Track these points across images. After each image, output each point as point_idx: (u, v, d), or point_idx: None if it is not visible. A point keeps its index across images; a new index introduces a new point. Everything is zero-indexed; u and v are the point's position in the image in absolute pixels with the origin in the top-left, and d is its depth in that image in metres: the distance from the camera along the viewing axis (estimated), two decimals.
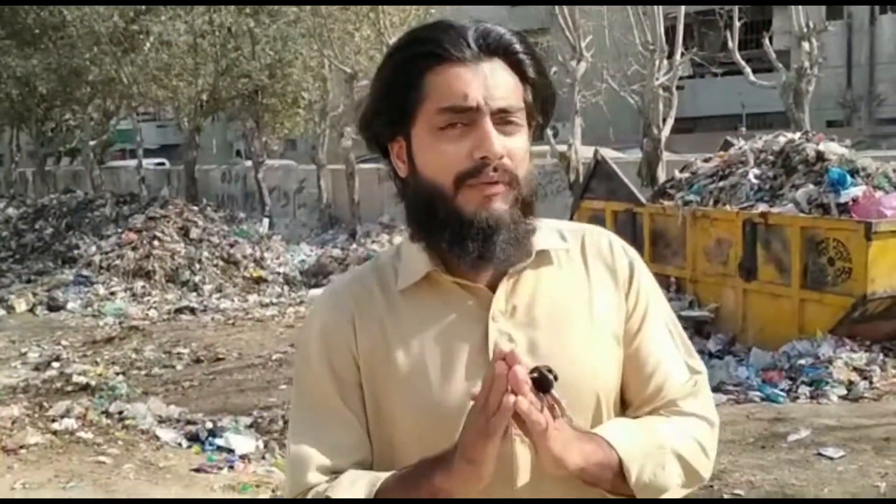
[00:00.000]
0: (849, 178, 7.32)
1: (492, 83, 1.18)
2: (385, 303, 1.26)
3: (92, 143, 22.54)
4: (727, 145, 9.45)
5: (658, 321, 1.31)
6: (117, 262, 12.86)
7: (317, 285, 12.64)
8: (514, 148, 1.19)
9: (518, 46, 1.22)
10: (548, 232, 1.29)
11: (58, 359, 8.70)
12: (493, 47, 1.20)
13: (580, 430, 1.16)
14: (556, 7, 12.42)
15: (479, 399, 1.10)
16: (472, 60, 1.19)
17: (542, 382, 1.10)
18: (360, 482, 1.19)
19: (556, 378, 1.10)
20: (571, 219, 10.44)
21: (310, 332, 1.30)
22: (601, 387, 1.25)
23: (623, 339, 1.28)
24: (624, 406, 1.29)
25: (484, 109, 1.17)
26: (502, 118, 1.19)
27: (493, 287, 1.24)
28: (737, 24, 13.24)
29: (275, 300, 11.99)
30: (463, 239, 1.19)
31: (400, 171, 1.26)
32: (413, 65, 1.20)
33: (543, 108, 1.26)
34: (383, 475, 1.19)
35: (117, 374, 8.05)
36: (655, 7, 11.45)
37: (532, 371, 1.10)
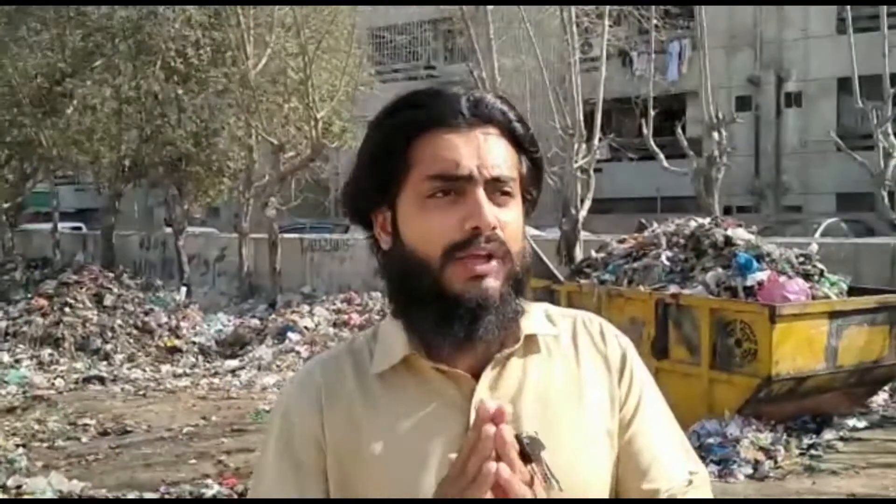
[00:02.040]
0: (755, 263, 7.65)
1: (485, 151, 1.12)
2: (359, 388, 1.17)
3: (6, 205, 21.90)
4: (641, 228, 9.79)
5: (653, 413, 1.22)
6: (25, 328, 12.40)
7: (232, 356, 12.40)
8: (507, 220, 1.12)
9: (512, 115, 1.16)
10: (536, 315, 1.20)
11: None
12: (486, 115, 1.14)
13: None
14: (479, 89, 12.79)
15: (455, 465, 1.02)
16: (464, 127, 1.13)
17: (532, 447, 1.00)
18: None
19: (543, 447, 1.01)
20: None
21: (274, 415, 1.22)
22: (593, 488, 1.15)
23: (616, 431, 1.19)
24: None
25: (477, 178, 1.11)
26: (495, 188, 1.12)
27: (476, 374, 1.14)
28: (651, 112, 13.87)
29: (189, 370, 11.70)
30: (449, 318, 1.10)
31: (383, 243, 1.17)
32: (400, 131, 1.13)
33: (536, 181, 1.19)
34: None
35: (17, 446, 7.69)
36: (575, 94, 11.93)
37: (516, 437, 1.00)
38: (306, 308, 13.91)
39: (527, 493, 0.99)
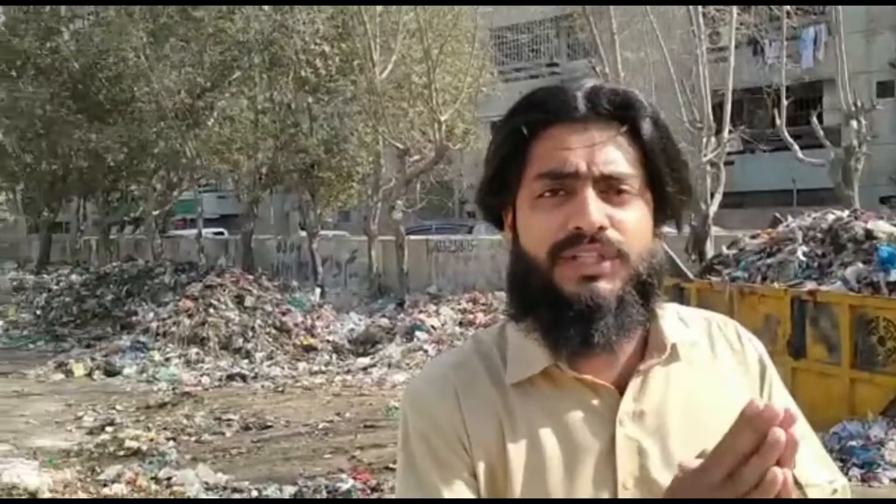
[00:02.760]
0: None
1: (598, 147, 1.06)
2: (496, 393, 1.11)
3: (155, 213, 23.33)
4: (775, 222, 9.45)
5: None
6: (173, 328, 13.19)
7: (364, 354, 12.79)
8: (622, 219, 1.05)
9: (638, 107, 1.08)
10: (672, 320, 1.13)
11: (111, 423, 8.92)
12: (606, 107, 1.07)
13: None
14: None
15: (716, 469, 0.92)
16: (579, 122, 1.07)
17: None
18: None
19: None
20: None
21: (408, 415, 1.13)
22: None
23: None
24: None
25: (585, 175, 1.05)
26: (609, 185, 1.05)
27: (617, 385, 1.09)
28: (784, 101, 13.31)
29: (323, 368, 12.15)
30: (561, 321, 1.05)
31: (507, 243, 1.15)
32: (518, 130, 1.09)
33: (668, 177, 1.09)
34: None
35: (168, 439, 8.21)
36: (703, 86, 11.62)
37: None
38: (433, 307, 14.17)
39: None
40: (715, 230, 11.68)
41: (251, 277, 15.41)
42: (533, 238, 1.08)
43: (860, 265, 7.44)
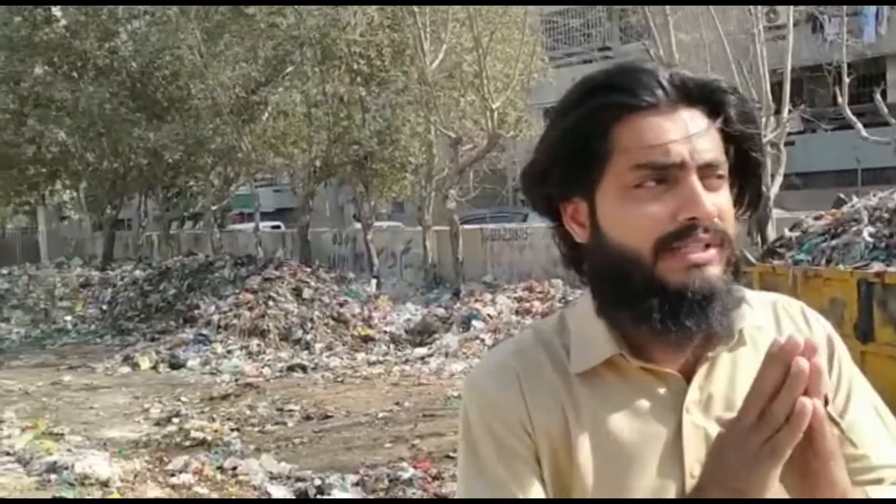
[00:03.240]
0: None
1: (694, 134, 1.04)
2: (560, 381, 1.10)
3: (213, 207, 23.74)
4: (839, 203, 9.21)
5: (865, 400, 1.14)
6: (234, 321, 13.43)
7: (421, 343, 12.85)
8: (722, 204, 1.05)
9: (723, 94, 1.07)
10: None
11: (177, 415, 9.12)
12: (692, 92, 1.05)
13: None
14: None
15: (747, 412, 0.94)
16: (668, 108, 1.04)
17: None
18: None
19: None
20: None
21: (468, 403, 1.13)
22: None
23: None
24: None
25: (690, 164, 1.02)
26: (707, 172, 1.04)
27: (683, 372, 1.08)
28: (846, 78, 12.94)
29: (381, 358, 12.25)
30: (675, 313, 1.02)
31: (577, 235, 1.11)
32: (598, 115, 1.05)
33: (746, 165, 1.10)
34: None
35: (232, 430, 8.38)
36: (761, 66, 11.36)
37: None
38: (488, 296, 14.17)
39: (830, 436, 0.93)
40: (776, 213, 11.43)
41: (308, 270, 15.59)
42: (632, 230, 1.04)
43: None
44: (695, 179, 1.02)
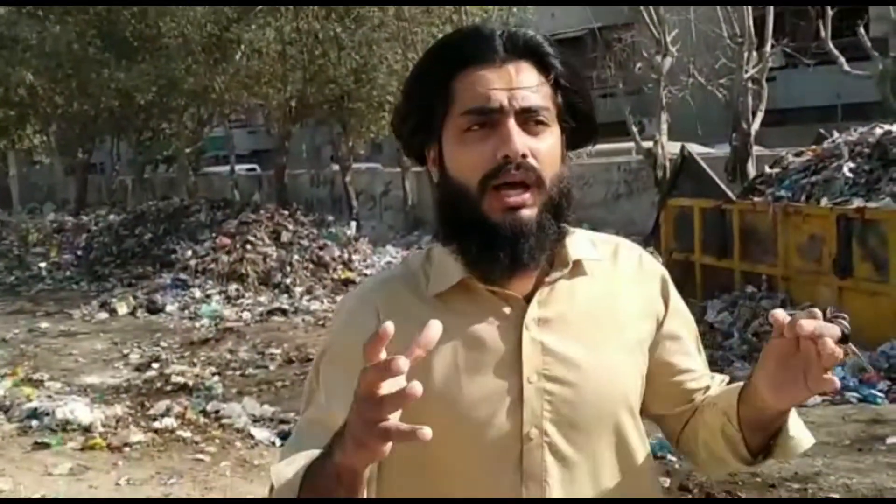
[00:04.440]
0: None
1: (516, 83, 1.19)
2: (415, 306, 1.25)
3: (187, 150, 23.39)
4: (820, 139, 9.18)
5: (689, 335, 1.36)
6: (212, 265, 13.31)
7: None
8: (539, 148, 1.19)
9: (547, 48, 1.22)
10: (581, 241, 1.29)
11: (157, 360, 9.07)
12: (520, 49, 1.21)
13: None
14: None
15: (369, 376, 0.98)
16: (498, 62, 1.19)
17: (845, 335, 1.06)
18: (298, 459, 1.16)
19: (849, 334, 1.07)
20: (658, 217, 10.29)
21: (333, 328, 1.34)
22: (630, 397, 1.28)
23: (652, 350, 1.31)
24: (648, 414, 1.35)
25: (507, 109, 1.18)
26: (527, 117, 1.19)
27: (526, 296, 1.24)
28: (829, 12, 12.80)
29: None
30: (491, 246, 1.19)
31: (434, 175, 1.27)
32: (440, 70, 1.22)
33: (575, 113, 1.24)
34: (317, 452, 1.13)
35: (213, 374, 8.34)
36: None
37: (831, 319, 1.07)
38: None
39: (839, 353, 1.04)
40: (757, 149, 11.39)
41: (286, 213, 15.43)
42: (463, 169, 1.20)
43: None
44: (511, 122, 1.18)
